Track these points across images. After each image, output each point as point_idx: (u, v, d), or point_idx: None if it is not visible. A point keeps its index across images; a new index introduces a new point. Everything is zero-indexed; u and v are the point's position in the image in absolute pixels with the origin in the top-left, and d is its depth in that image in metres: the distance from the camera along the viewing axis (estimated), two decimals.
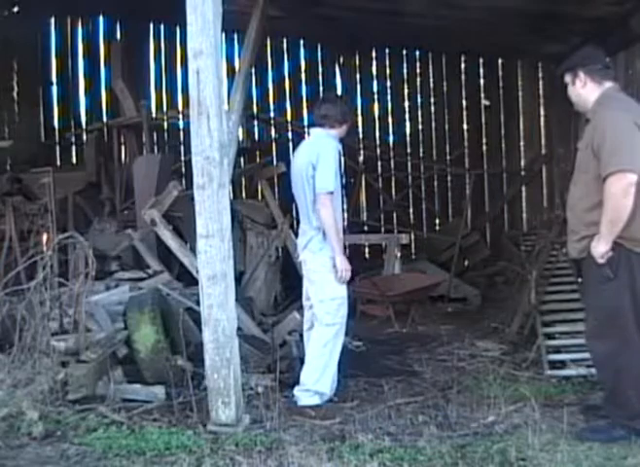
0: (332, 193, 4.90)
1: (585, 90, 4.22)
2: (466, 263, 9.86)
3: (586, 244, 4.11)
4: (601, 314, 4.10)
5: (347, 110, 5.19)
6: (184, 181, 7.98)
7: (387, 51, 10.76)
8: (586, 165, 4.13)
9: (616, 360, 4.07)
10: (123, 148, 9.36)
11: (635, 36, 6.85)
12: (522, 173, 10.70)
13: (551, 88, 9.85)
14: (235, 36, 9.90)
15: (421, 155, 10.84)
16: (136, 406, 4.72)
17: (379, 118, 10.85)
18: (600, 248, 4.00)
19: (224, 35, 4.96)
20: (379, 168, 10.86)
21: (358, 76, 10.78)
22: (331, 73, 10.73)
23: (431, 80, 10.79)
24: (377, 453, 3.96)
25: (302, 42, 10.60)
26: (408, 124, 10.85)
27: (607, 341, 4.08)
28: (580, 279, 4.52)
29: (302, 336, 6.15)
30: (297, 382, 5.10)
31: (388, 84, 10.86)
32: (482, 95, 10.81)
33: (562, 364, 5.38)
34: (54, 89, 9.96)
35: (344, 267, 4.91)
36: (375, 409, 4.74)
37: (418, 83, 10.84)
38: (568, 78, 4.27)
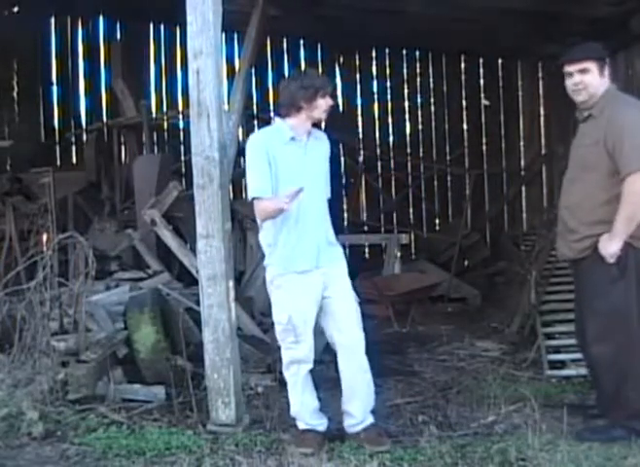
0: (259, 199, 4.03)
1: (601, 83, 4.12)
2: (466, 263, 9.86)
3: (588, 244, 4.08)
4: (607, 315, 4.05)
5: (298, 89, 4.02)
6: (184, 181, 7.98)
7: (387, 51, 10.76)
8: (595, 163, 4.05)
9: (620, 361, 4.06)
10: (123, 148, 9.37)
11: (635, 36, 6.85)
12: (522, 173, 10.70)
13: (550, 88, 9.84)
14: (235, 36, 9.90)
15: (421, 155, 10.84)
16: (136, 406, 4.72)
17: (379, 118, 10.85)
18: (613, 247, 3.95)
19: (224, 35, 4.94)
20: (379, 168, 10.86)
21: (358, 76, 10.78)
22: (331, 73, 10.72)
23: (431, 80, 10.79)
24: (377, 453, 3.97)
25: (302, 42, 10.60)
26: (408, 124, 10.85)
27: (611, 343, 4.05)
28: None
29: None
30: None
31: (388, 84, 10.86)
32: (482, 95, 10.81)
33: (562, 364, 5.37)
34: (54, 89, 9.95)
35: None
36: (375, 409, 4.73)
37: (418, 83, 10.84)
38: (594, 66, 4.10)
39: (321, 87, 4.04)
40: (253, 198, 4.03)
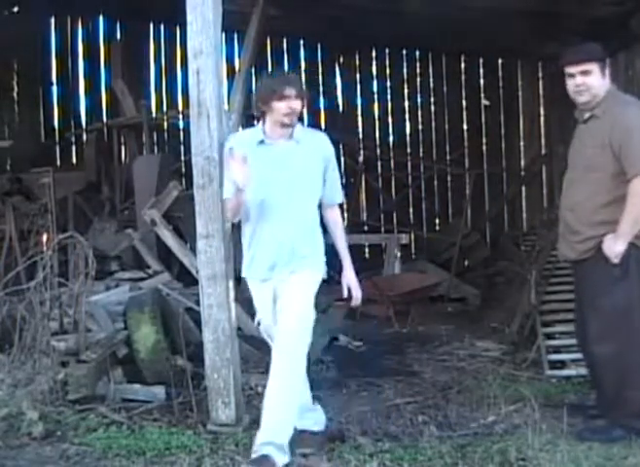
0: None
1: (604, 84, 4.11)
2: (466, 263, 9.86)
3: (590, 245, 4.07)
4: (610, 315, 4.05)
5: (256, 93, 4.02)
6: (184, 181, 7.98)
7: (387, 51, 10.76)
8: (599, 164, 4.05)
9: (621, 361, 4.06)
10: (123, 148, 9.37)
11: (635, 36, 6.85)
12: (522, 173, 10.70)
13: (550, 88, 9.84)
14: (235, 36, 9.90)
15: (421, 155, 10.84)
16: (136, 406, 4.72)
17: (379, 118, 10.85)
18: (619, 247, 3.95)
19: (224, 35, 4.94)
20: (379, 168, 10.86)
21: (358, 76, 10.78)
22: (331, 73, 10.73)
23: (431, 80, 10.79)
24: (377, 453, 3.96)
25: (301, 42, 10.60)
26: (408, 124, 10.85)
27: (613, 343, 4.05)
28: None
29: None
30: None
31: (388, 84, 10.86)
32: (482, 95, 10.82)
33: (562, 364, 5.37)
34: (54, 89, 9.95)
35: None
36: (375, 409, 4.74)
37: (418, 83, 10.84)
38: (596, 68, 4.09)
39: (276, 89, 3.85)
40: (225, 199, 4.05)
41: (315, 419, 4.21)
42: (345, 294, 4.10)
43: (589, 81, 4.10)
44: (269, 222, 3.93)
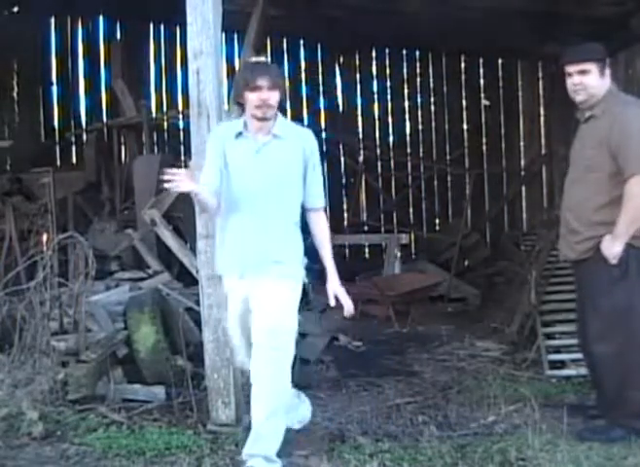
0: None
1: (602, 84, 4.11)
2: (466, 263, 9.86)
3: (589, 245, 4.07)
4: (610, 315, 4.05)
5: (239, 78, 3.75)
6: None
7: (387, 51, 10.76)
8: (597, 164, 4.05)
9: (621, 361, 4.05)
10: (123, 148, 9.37)
11: (635, 36, 6.85)
12: (522, 173, 10.71)
13: (550, 88, 9.84)
14: (235, 36, 9.90)
15: (421, 155, 10.84)
16: (136, 406, 4.72)
17: (379, 118, 10.86)
18: (616, 248, 3.95)
19: (224, 35, 4.94)
20: (379, 168, 10.86)
21: (358, 76, 10.79)
22: (331, 73, 10.73)
23: (431, 80, 10.80)
24: (377, 453, 3.96)
25: (301, 42, 10.60)
26: (408, 124, 10.86)
27: (613, 343, 4.05)
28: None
29: (302, 335, 6.16)
30: (296, 383, 5.10)
31: (388, 84, 10.87)
32: (482, 95, 10.82)
33: (562, 364, 5.37)
34: (54, 89, 9.95)
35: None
36: (375, 409, 4.74)
37: (418, 83, 10.85)
38: (594, 67, 4.09)
39: (248, 80, 3.61)
40: None
41: (296, 418, 4.13)
42: (333, 303, 3.83)
43: (587, 80, 4.11)
44: (243, 218, 3.70)
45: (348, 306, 3.84)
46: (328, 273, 3.87)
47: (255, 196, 3.68)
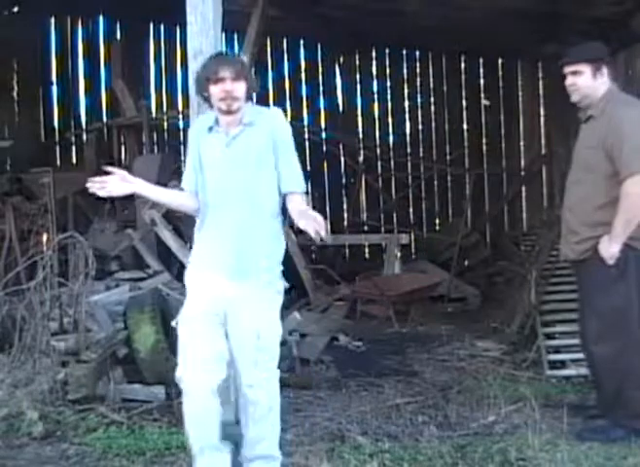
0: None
1: (598, 84, 4.12)
2: (466, 263, 9.86)
3: (588, 246, 4.07)
4: (608, 316, 4.05)
5: (201, 72, 3.52)
6: None
7: (387, 51, 10.76)
8: (595, 165, 4.06)
9: (621, 361, 4.06)
10: (123, 148, 9.36)
11: (635, 36, 6.86)
12: (522, 173, 10.71)
13: (551, 88, 9.85)
14: (235, 36, 9.90)
15: (421, 155, 10.85)
16: (136, 406, 4.72)
17: (379, 118, 10.86)
18: (613, 249, 3.96)
19: (224, 35, 4.94)
20: (379, 168, 10.86)
21: (358, 76, 10.79)
22: (331, 73, 10.73)
23: (431, 80, 10.81)
24: (377, 453, 3.96)
25: (302, 42, 10.60)
26: (408, 124, 10.87)
27: (612, 343, 4.05)
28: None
29: (302, 335, 6.17)
30: (296, 383, 5.11)
31: (388, 84, 10.87)
32: (482, 95, 10.83)
33: (562, 364, 5.37)
34: (54, 89, 9.94)
35: None
36: (375, 409, 4.74)
37: (418, 83, 10.86)
38: (586, 68, 4.11)
39: (209, 72, 3.42)
40: None
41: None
42: (302, 225, 3.23)
43: (579, 81, 4.14)
44: (219, 217, 3.46)
45: (318, 222, 3.19)
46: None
47: (229, 192, 3.44)
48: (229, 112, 3.43)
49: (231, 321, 3.46)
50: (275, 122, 3.53)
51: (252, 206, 3.42)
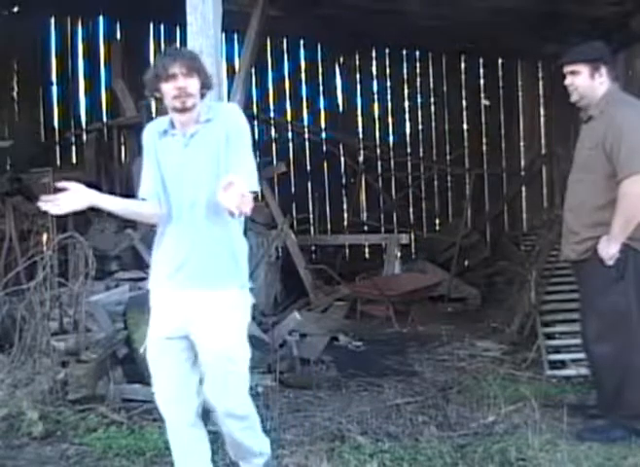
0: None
1: (597, 85, 4.13)
2: (466, 263, 9.86)
3: (588, 246, 4.08)
4: (607, 316, 4.06)
5: (151, 71, 3.28)
6: None
7: (387, 51, 10.76)
8: (594, 165, 4.06)
9: (621, 361, 4.06)
10: (123, 148, 9.36)
11: (635, 36, 6.86)
12: (522, 173, 10.71)
13: (551, 88, 9.85)
14: (235, 36, 9.90)
15: (421, 155, 10.84)
16: (136, 406, 4.71)
17: (379, 118, 10.85)
18: (612, 249, 3.97)
19: (224, 35, 4.94)
20: (379, 168, 10.86)
21: (358, 76, 10.78)
22: (331, 73, 10.73)
23: (431, 80, 10.80)
24: (377, 453, 3.96)
25: (302, 42, 10.59)
26: (408, 124, 10.86)
27: (612, 343, 4.06)
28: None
29: (302, 335, 6.18)
30: (296, 383, 5.11)
31: (388, 84, 10.87)
32: (482, 95, 10.82)
33: (562, 364, 5.37)
34: (54, 89, 9.94)
35: None
36: (375, 409, 4.74)
37: (418, 83, 10.85)
38: (584, 69, 4.12)
39: (160, 70, 3.21)
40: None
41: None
42: (221, 200, 2.94)
43: (577, 81, 4.16)
44: (175, 225, 3.30)
45: (244, 199, 2.95)
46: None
47: (189, 195, 3.26)
48: (184, 109, 3.23)
49: (198, 343, 3.29)
50: (230, 117, 3.34)
51: (213, 207, 3.17)
